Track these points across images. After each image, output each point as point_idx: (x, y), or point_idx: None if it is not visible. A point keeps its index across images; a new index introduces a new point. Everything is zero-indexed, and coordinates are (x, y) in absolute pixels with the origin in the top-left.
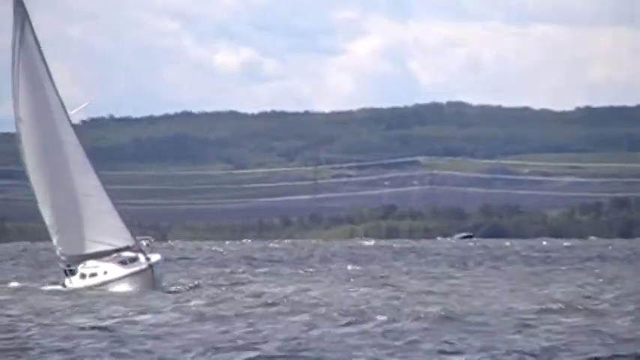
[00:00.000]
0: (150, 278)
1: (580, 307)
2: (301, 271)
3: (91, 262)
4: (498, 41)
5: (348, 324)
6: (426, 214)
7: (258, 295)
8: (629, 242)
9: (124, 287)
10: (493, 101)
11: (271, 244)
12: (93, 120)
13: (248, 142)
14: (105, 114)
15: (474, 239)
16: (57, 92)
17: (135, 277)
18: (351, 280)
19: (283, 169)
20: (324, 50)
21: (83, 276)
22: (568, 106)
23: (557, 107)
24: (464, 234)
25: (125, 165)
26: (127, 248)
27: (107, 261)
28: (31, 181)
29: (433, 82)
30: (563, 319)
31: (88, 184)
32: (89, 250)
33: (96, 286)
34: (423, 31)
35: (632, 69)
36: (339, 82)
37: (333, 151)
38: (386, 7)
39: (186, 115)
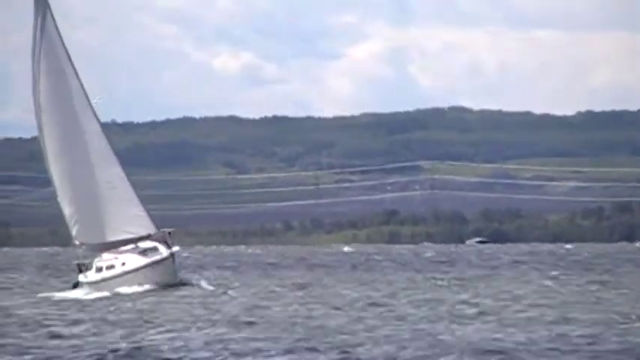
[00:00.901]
0: (171, 268)
1: None
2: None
3: (106, 255)
4: (499, 46)
5: None
6: (428, 218)
7: None
8: None
9: (144, 277)
10: (494, 106)
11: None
12: None
13: (249, 147)
14: (107, 119)
15: (489, 244)
16: (80, 81)
17: (156, 266)
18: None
19: (285, 174)
20: (324, 55)
21: (99, 269)
22: (569, 110)
23: (559, 112)
24: (478, 239)
25: (127, 170)
26: (149, 236)
27: (124, 252)
28: (51, 170)
29: (434, 86)
30: None
31: (111, 173)
32: (111, 238)
33: (115, 277)
34: (423, 35)
35: (633, 73)
36: (340, 87)
37: (335, 155)
38: (386, 12)
39: (187, 121)
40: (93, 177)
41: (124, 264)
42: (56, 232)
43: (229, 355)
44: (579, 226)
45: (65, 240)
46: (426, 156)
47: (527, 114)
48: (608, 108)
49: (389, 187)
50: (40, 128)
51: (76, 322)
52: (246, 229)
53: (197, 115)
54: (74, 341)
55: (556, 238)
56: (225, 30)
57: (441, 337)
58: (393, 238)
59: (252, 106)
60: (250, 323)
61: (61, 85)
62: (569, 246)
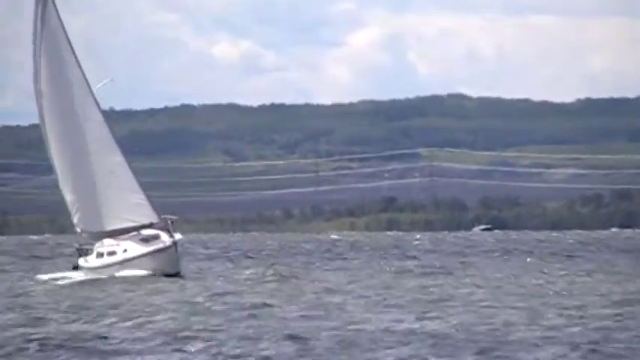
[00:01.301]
0: (173, 256)
1: None
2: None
3: (108, 241)
4: (497, 32)
5: None
6: (427, 206)
7: None
8: None
9: (145, 265)
10: (493, 93)
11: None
12: None
13: (248, 135)
14: (106, 106)
15: (495, 231)
16: (81, 69)
17: (158, 254)
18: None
19: (284, 161)
20: (323, 42)
21: (100, 255)
22: (568, 97)
23: (557, 99)
24: (483, 226)
25: (125, 157)
26: (151, 225)
27: (126, 239)
28: (52, 156)
29: (432, 73)
30: None
31: (112, 161)
32: (112, 227)
33: (115, 264)
34: (421, 22)
35: (632, 60)
36: (338, 74)
37: (334, 143)
38: None
39: (186, 108)
40: (94, 165)
41: (125, 251)
42: (54, 220)
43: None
44: (578, 213)
45: (63, 227)
46: (425, 143)
47: (526, 101)
48: (606, 95)
49: (387, 175)
50: (41, 116)
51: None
52: (245, 216)
53: (196, 103)
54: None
55: (554, 226)
56: (224, 18)
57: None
58: (392, 226)
59: (251, 94)
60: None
61: (63, 73)
62: (555, 233)
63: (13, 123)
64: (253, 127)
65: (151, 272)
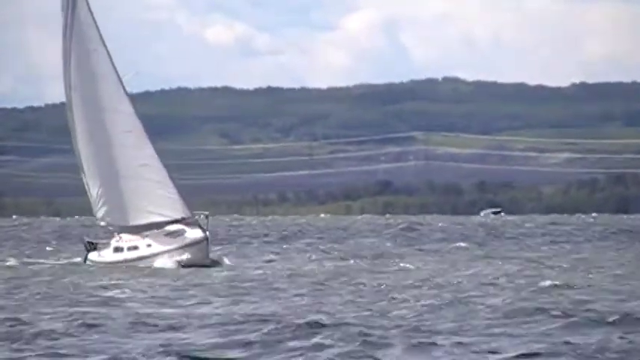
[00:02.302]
0: (204, 251)
1: None
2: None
3: (126, 236)
4: (493, 16)
5: None
6: (422, 189)
7: None
8: None
9: (171, 261)
10: (488, 77)
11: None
12: None
13: (244, 118)
14: None
15: (503, 215)
16: (111, 59)
17: (188, 249)
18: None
19: (279, 144)
20: (317, 25)
21: (119, 250)
22: (563, 82)
23: (553, 83)
24: (493, 210)
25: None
26: (182, 220)
27: (149, 234)
28: (79, 150)
29: (428, 57)
30: None
31: (143, 154)
32: (142, 221)
33: (138, 259)
34: (416, 6)
35: (627, 45)
36: (333, 58)
37: (329, 126)
38: None
39: (181, 91)
40: (124, 158)
41: (149, 245)
42: (51, 202)
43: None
44: (573, 197)
45: (58, 211)
46: (420, 127)
47: (521, 85)
48: (601, 79)
49: (382, 158)
50: (69, 107)
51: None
52: (242, 199)
53: (191, 86)
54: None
55: (549, 210)
56: (218, 1)
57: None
58: (387, 209)
59: (246, 77)
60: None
61: (93, 64)
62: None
63: (9, 106)
64: (249, 110)
65: (179, 267)
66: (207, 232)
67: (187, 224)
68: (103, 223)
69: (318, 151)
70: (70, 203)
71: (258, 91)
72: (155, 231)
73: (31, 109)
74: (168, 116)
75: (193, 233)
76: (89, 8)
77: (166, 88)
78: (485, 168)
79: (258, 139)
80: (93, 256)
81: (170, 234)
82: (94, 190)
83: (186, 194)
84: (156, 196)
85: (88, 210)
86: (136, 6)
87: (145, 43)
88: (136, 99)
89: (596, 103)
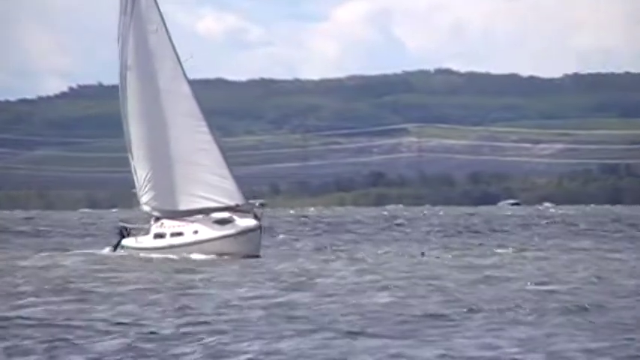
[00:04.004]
0: (256, 241)
1: None
2: None
3: (169, 222)
4: (485, 7)
5: None
6: (415, 181)
7: None
8: None
9: (222, 248)
10: (481, 68)
11: None
12: (81, 87)
13: (237, 110)
14: (94, 81)
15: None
16: (171, 40)
17: (239, 237)
18: None
19: (272, 136)
20: (308, 17)
21: (160, 235)
22: (556, 72)
23: (545, 74)
24: (511, 201)
25: (114, 132)
26: (237, 207)
27: (194, 220)
28: (130, 132)
29: (420, 48)
30: None
31: (200, 139)
32: (193, 206)
33: (182, 245)
34: None
35: (619, 35)
36: (325, 49)
37: (322, 118)
38: None
39: None
40: (180, 142)
41: (196, 232)
42: (43, 195)
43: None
44: (566, 188)
45: (50, 203)
46: (413, 119)
47: (514, 76)
48: (594, 70)
49: (375, 150)
50: (122, 88)
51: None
52: None
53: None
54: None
55: (543, 200)
56: None
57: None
58: (381, 201)
59: (238, 69)
60: None
61: (153, 46)
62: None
63: (2, 98)
64: (242, 102)
65: (228, 256)
66: (261, 222)
67: (241, 212)
68: (147, 208)
69: (311, 143)
70: (63, 196)
71: (250, 83)
72: (202, 217)
73: (24, 101)
74: None
75: (245, 221)
76: None
77: None
78: (478, 159)
79: (250, 131)
80: (129, 242)
81: (219, 221)
82: (142, 174)
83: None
84: (210, 181)
85: (81, 202)
86: None
87: None
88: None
89: (589, 95)
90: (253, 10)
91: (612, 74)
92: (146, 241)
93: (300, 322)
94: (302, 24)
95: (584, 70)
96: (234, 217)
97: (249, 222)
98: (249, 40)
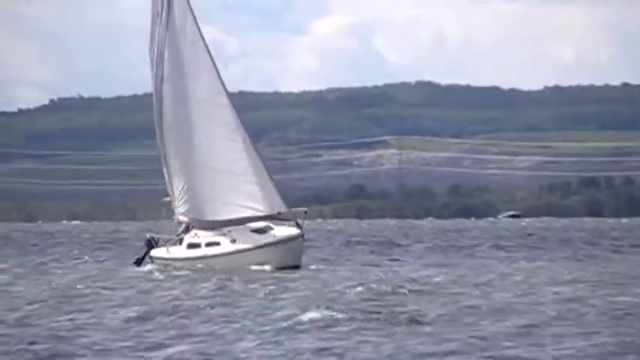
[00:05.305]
0: (297, 251)
1: None
2: None
3: (202, 232)
4: (465, 19)
5: None
6: (396, 193)
7: None
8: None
9: (262, 258)
10: (462, 80)
11: None
12: (61, 99)
13: None
14: (74, 94)
15: (525, 219)
16: (208, 50)
17: (280, 247)
18: None
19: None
20: (288, 29)
21: (195, 246)
22: (536, 85)
23: (526, 86)
24: (511, 212)
25: (94, 145)
26: (278, 215)
27: (231, 230)
28: (166, 143)
29: (400, 61)
30: None
31: (238, 148)
32: (232, 216)
33: (219, 256)
34: (387, 9)
35: (598, 47)
36: (305, 62)
37: (302, 131)
38: None
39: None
40: (217, 151)
41: (234, 241)
42: (22, 207)
43: None
44: (546, 200)
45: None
46: (394, 131)
47: (495, 89)
48: (573, 83)
49: (356, 162)
50: (158, 100)
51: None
52: None
53: None
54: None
55: (525, 213)
56: None
57: None
58: (361, 214)
59: None
60: None
61: (188, 57)
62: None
63: None
64: None
65: (268, 267)
66: (303, 230)
67: (282, 220)
68: (183, 219)
69: (291, 156)
70: (43, 208)
71: (229, 96)
72: (240, 227)
73: (4, 114)
74: (141, 122)
75: (286, 230)
76: (187, 1)
77: (139, 93)
78: (458, 171)
79: None
80: (160, 252)
81: (257, 230)
82: (179, 184)
83: (159, 199)
84: (250, 190)
85: (62, 214)
86: (106, 10)
87: (115, 48)
88: (109, 103)
89: (569, 107)
90: (232, 23)
91: (592, 86)
92: (179, 251)
93: None
94: (281, 37)
95: (565, 82)
96: (272, 225)
97: (291, 230)
98: (228, 53)
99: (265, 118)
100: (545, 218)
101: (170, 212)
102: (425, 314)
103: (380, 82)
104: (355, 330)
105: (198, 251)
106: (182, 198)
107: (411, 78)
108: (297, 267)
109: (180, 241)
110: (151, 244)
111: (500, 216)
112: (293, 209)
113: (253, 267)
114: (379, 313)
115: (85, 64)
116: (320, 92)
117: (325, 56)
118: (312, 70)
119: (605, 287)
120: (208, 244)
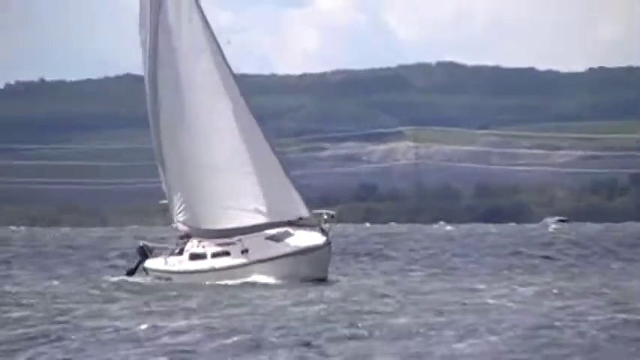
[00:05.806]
0: (322, 261)
1: None
2: None
3: (206, 241)
4: None
5: None
6: (411, 194)
7: None
8: None
9: (279, 271)
10: (490, 61)
11: None
12: (19, 83)
13: None
14: (35, 77)
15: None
16: (207, 23)
17: (302, 257)
18: None
19: None
20: (286, 2)
21: (198, 256)
22: (578, 66)
23: (566, 68)
24: (558, 218)
25: (60, 137)
26: (300, 220)
27: (240, 239)
28: (162, 140)
29: (417, 38)
30: None
31: (247, 141)
32: (248, 222)
33: (229, 269)
34: None
35: None
36: (306, 40)
37: (303, 120)
38: None
39: (130, 78)
40: (225, 148)
41: (245, 252)
42: None
43: None
44: (590, 202)
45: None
46: (409, 121)
47: (529, 70)
48: (623, 64)
49: (365, 158)
50: (152, 88)
51: None
52: None
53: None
54: None
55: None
56: None
57: None
58: (370, 217)
59: None
60: None
61: (185, 35)
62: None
63: None
64: None
65: (286, 279)
66: (329, 237)
67: (307, 225)
68: (182, 227)
69: (289, 150)
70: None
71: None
72: (252, 235)
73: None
74: (115, 108)
75: (310, 237)
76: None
77: (111, 75)
78: (485, 168)
79: None
80: (155, 263)
81: (273, 237)
82: (178, 189)
83: (139, 200)
84: (265, 193)
85: (21, 219)
86: None
87: (101, 29)
88: (75, 86)
89: (616, 92)
90: None
91: None
92: (179, 263)
93: None
94: (280, 10)
95: (611, 63)
96: (291, 231)
97: (315, 238)
98: (218, 27)
99: (259, 105)
100: (588, 224)
101: (167, 218)
102: None
103: (392, 64)
104: None
105: (204, 263)
106: (182, 205)
107: (430, 59)
108: (323, 280)
109: (181, 251)
110: (145, 252)
111: (549, 222)
112: (318, 211)
113: (257, 279)
114: None
115: (47, 43)
116: (323, 75)
117: (329, 33)
118: (314, 49)
119: None
120: (215, 255)
